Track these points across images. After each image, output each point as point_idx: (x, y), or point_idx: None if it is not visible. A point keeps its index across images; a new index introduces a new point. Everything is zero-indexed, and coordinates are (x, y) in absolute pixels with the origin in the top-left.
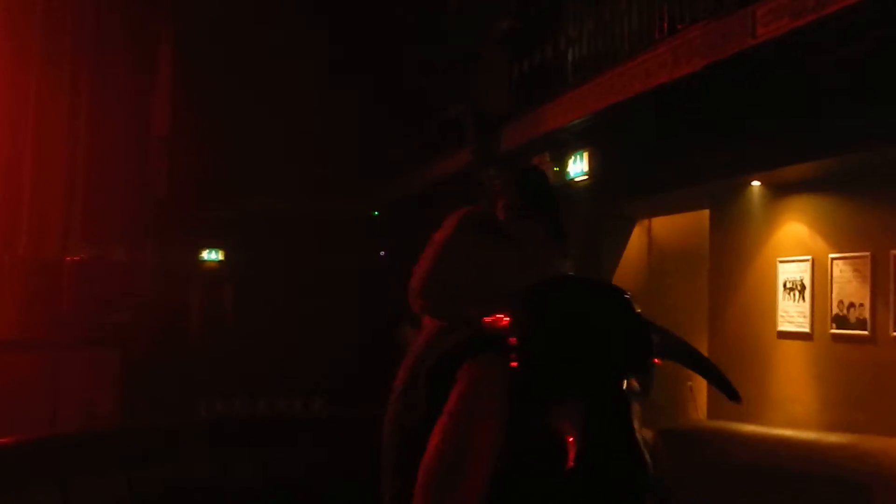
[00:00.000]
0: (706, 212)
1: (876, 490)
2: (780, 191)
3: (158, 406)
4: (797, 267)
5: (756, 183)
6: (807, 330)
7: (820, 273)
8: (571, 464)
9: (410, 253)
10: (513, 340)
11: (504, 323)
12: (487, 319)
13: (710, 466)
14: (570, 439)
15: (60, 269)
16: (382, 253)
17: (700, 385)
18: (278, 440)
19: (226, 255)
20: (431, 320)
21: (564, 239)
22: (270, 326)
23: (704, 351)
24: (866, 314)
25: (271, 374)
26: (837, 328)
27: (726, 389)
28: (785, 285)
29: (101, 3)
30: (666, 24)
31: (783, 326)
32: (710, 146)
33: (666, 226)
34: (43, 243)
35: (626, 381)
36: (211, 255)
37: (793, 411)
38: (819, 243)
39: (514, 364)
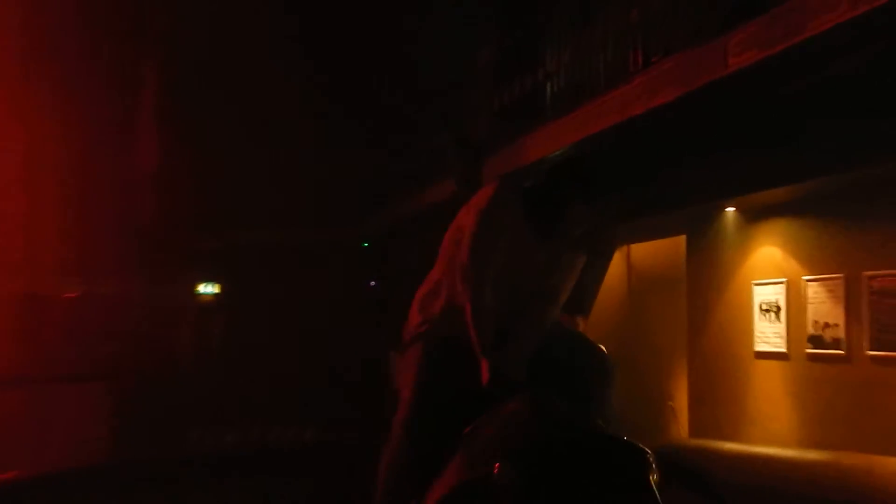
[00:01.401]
0: (683, 237)
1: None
2: (754, 215)
3: (151, 438)
4: (772, 289)
5: (730, 208)
6: (783, 350)
7: (795, 295)
8: None
9: (398, 283)
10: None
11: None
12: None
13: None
14: None
15: (52, 304)
16: (373, 283)
17: (681, 404)
18: (271, 470)
19: (217, 287)
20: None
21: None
22: (261, 356)
23: (684, 373)
24: (841, 334)
25: (263, 404)
26: (813, 348)
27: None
28: (761, 307)
29: (88, 45)
30: (640, 58)
31: (760, 347)
32: (685, 173)
33: (644, 251)
34: (34, 279)
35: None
36: (203, 287)
37: (772, 429)
38: (793, 266)
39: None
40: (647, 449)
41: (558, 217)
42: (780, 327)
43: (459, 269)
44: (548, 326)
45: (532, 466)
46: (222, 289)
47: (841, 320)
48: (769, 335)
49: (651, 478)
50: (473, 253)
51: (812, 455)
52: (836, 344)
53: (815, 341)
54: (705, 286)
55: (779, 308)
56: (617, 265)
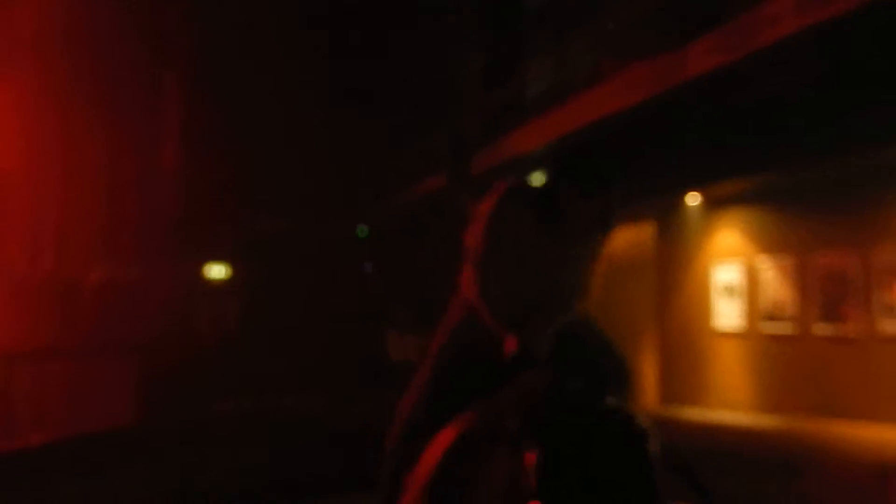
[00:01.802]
0: (652, 223)
1: (796, 462)
2: (716, 204)
3: (175, 407)
4: (730, 269)
5: (695, 197)
6: (741, 327)
7: (751, 275)
8: None
9: (393, 268)
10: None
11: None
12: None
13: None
14: None
15: (84, 286)
16: (370, 268)
17: (652, 377)
18: (284, 432)
19: (233, 270)
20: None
21: (609, 228)
22: (272, 333)
23: (653, 347)
24: (793, 312)
25: (276, 375)
26: (768, 325)
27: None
28: (721, 287)
29: (117, 52)
30: (614, 62)
31: (720, 324)
32: (654, 165)
33: (617, 237)
34: (68, 263)
35: None
36: (220, 271)
37: (732, 398)
38: (749, 248)
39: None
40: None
41: (563, 215)
42: (738, 306)
43: (471, 258)
44: (568, 316)
45: (541, 424)
46: (238, 273)
47: (794, 300)
48: (728, 313)
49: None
50: (485, 244)
51: (765, 420)
52: (788, 322)
53: (770, 319)
54: (671, 268)
55: (736, 288)
56: None
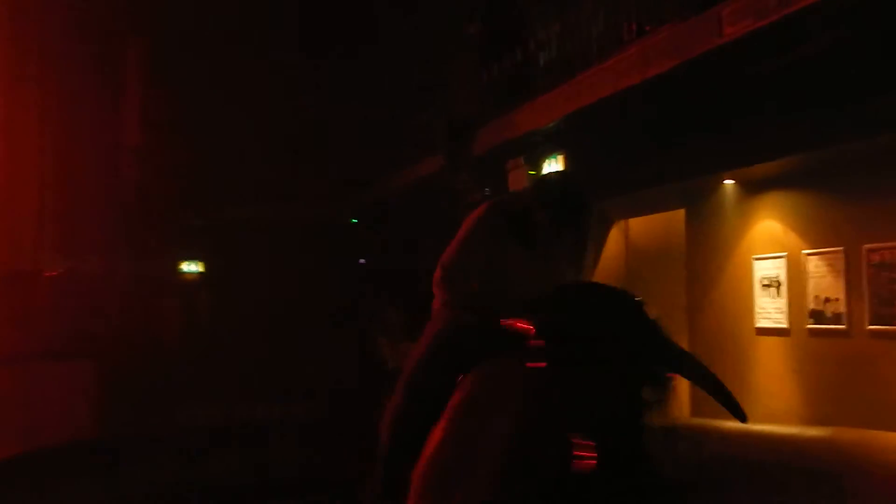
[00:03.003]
0: (681, 211)
1: (850, 481)
2: (753, 188)
3: (136, 415)
4: (772, 264)
5: (729, 181)
6: (784, 325)
7: (795, 269)
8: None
9: (386, 260)
10: (538, 342)
11: (524, 326)
12: (507, 322)
13: (693, 462)
14: (583, 442)
15: (35, 282)
16: (362, 261)
17: (682, 383)
18: (256, 443)
19: (201, 264)
20: (443, 311)
21: (585, 253)
22: (246, 333)
23: (683, 348)
24: (842, 308)
25: (249, 380)
26: (814, 323)
27: (736, 411)
28: (761, 282)
29: (69, 17)
30: (634, 26)
31: (761, 323)
32: (682, 146)
33: (642, 226)
34: (16, 256)
35: (643, 390)
36: (187, 265)
37: (773, 406)
38: (793, 239)
39: (539, 365)
40: None
41: (536, 236)
42: (781, 302)
43: (439, 267)
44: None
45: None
46: (207, 266)
47: (842, 295)
48: (770, 311)
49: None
50: (457, 255)
51: (812, 431)
52: (836, 319)
53: (816, 316)
54: (705, 261)
55: (779, 283)
56: (614, 241)
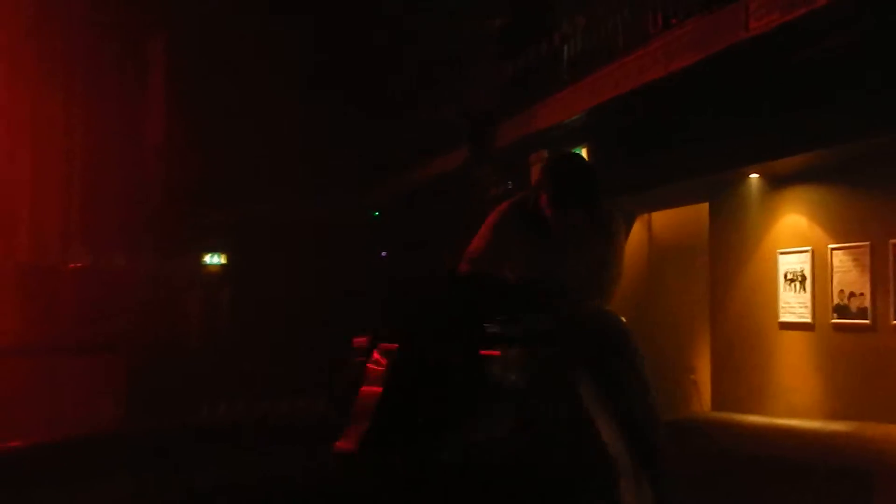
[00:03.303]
0: (705, 205)
1: (877, 477)
2: (777, 182)
3: (157, 409)
4: (797, 258)
5: (754, 175)
6: (808, 320)
7: (820, 263)
8: None
9: (408, 252)
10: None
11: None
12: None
13: (713, 457)
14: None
15: (60, 276)
16: (384, 253)
17: (703, 377)
18: (280, 440)
19: (225, 259)
20: None
21: (605, 226)
22: (267, 329)
23: (706, 344)
24: (867, 303)
25: (273, 375)
26: (839, 318)
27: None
28: (786, 276)
29: (94, 19)
30: (660, 19)
31: (785, 317)
32: (706, 139)
33: (665, 220)
34: (43, 251)
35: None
36: (211, 259)
37: (795, 401)
38: (818, 234)
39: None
40: None
41: (550, 224)
42: (806, 297)
43: (465, 256)
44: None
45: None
46: (232, 261)
47: (867, 289)
48: (794, 305)
49: None
50: (481, 246)
51: (836, 426)
52: (861, 313)
53: (841, 311)
54: (728, 255)
55: (804, 277)
56: (637, 234)
